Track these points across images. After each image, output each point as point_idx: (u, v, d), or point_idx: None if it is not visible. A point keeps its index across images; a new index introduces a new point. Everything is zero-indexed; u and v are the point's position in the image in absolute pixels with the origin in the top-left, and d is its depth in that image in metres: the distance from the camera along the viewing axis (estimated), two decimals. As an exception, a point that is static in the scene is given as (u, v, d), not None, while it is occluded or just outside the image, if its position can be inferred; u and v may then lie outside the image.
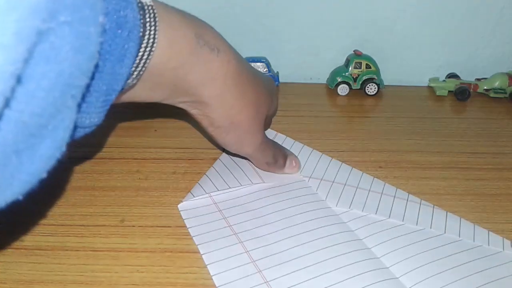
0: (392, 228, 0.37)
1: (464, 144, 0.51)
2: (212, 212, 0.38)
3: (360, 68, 0.63)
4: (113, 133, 0.50)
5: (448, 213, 0.39)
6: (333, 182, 0.43)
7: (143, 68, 0.28)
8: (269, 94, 0.41)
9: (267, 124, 0.47)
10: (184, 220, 0.37)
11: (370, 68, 0.63)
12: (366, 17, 0.66)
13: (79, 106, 0.24)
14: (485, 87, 0.64)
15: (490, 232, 0.37)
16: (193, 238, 0.35)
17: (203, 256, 0.34)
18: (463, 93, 0.63)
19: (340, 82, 0.63)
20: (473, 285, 0.32)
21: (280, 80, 0.65)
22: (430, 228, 0.37)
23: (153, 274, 0.32)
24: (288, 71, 0.68)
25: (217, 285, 0.31)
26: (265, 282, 0.31)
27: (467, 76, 0.66)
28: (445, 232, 0.37)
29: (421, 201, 0.40)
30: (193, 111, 0.36)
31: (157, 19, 0.27)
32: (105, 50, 0.24)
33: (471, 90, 0.63)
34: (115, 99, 0.27)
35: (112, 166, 0.44)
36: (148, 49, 0.27)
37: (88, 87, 0.25)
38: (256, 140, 0.39)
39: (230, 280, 0.32)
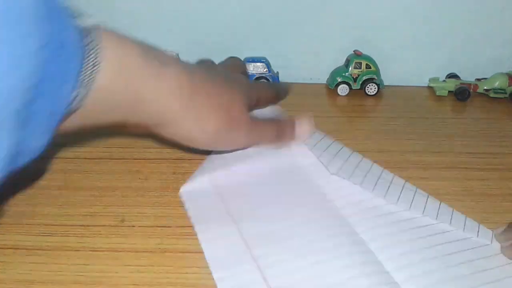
0: (383, 215, 0.38)
1: (464, 144, 0.51)
2: (210, 192, 0.40)
3: (360, 68, 0.63)
4: (113, 133, 0.50)
5: (441, 203, 0.39)
6: (334, 156, 0.44)
7: (89, 88, 0.27)
8: (239, 88, 0.39)
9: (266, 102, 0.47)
10: (184, 201, 0.39)
11: (370, 68, 0.63)
12: (366, 17, 0.66)
13: (21, 128, 0.23)
14: (485, 87, 0.64)
15: (480, 225, 0.37)
16: (190, 217, 0.37)
17: (197, 234, 0.35)
18: (463, 93, 0.63)
19: (340, 82, 0.63)
20: (457, 274, 0.32)
21: (280, 80, 0.65)
22: (422, 215, 0.38)
23: (153, 274, 0.32)
24: (288, 71, 0.68)
25: (207, 258, 0.33)
26: (253, 259, 0.33)
27: (467, 76, 0.66)
28: (436, 222, 0.37)
29: (416, 189, 0.41)
30: (165, 134, 0.35)
31: (100, 39, 0.27)
32: (47, 71, 0.23)
33: (471, 90, 0.63)
34: (61, 122, 0.26)
35: (112, 166, 0.44)
36: (92, 69, 0.26)
37: (30, 109, 0.23)
38: (240, 137, 0.39)
39: (220, 254, 0.33)
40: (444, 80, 0.66)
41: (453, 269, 0.33)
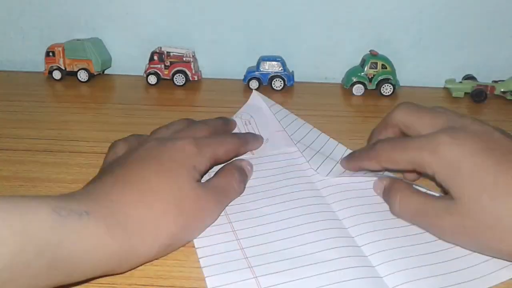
0: (363, 197, 0.39)
1: (479, 146, 0.50)
2: None
3: (376, 68, 0.63)
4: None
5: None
6: (317, 152, 0.45)
7: None
8: (182, 169, 0.34)
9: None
10: None
11: (386, 68, 0.63)
12: (383, 17, 0.66)
13: None
14: (502, 89, 0.63)
15: None
16: None
17: None
18: (479, 95, 0.62)
19: (355, 82, 0.63)
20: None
21: (295, 80, 0.65)
22: None
23: (167, 268, 0.32)
24: (303, 71, 0.68)
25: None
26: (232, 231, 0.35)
27: (484, 78, 0.66)
28: None
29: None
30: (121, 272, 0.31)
31: None
32: None
33: (488, 92, 0.63)
34: None
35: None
36: None
37: None
38: (211, 215, 0.35)
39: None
40: (460, 82, 0.65)
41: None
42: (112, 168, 0.34)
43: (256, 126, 0.49)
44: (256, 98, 0.52)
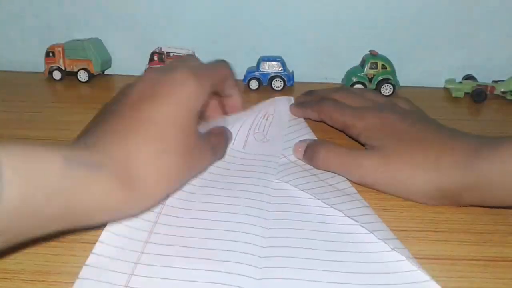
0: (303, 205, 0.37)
1: (480, 146, 0.50)
2: None
3: (376, 68, 0.63)
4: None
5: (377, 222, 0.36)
6: (297, 165, 0.43)
7: None
8: (184, 113, 0.34)
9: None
10: None
11: (386, 68, 0.63)
12: (383, 17, 0.66)
13: None
14: (502, 90, 0.63)
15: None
16: None
17: None
18: (479, 95, 0.62)
19: (355, 82, 0.63)
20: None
21: (295, 80, 0.65)
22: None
23: (167, 268, 0.32)
24: (303, 71, 0.68)
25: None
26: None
27: (483, 78, 0.66)
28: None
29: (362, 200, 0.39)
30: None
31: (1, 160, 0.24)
32: None
33: (488, 92, 0.63)
34: None
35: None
36: None
37: None
38: (207, 159, 0.38)
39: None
40: (460, 82, 0.66)
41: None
42: (117, 107, 0.34)
43: (269, 124, 0.49)
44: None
